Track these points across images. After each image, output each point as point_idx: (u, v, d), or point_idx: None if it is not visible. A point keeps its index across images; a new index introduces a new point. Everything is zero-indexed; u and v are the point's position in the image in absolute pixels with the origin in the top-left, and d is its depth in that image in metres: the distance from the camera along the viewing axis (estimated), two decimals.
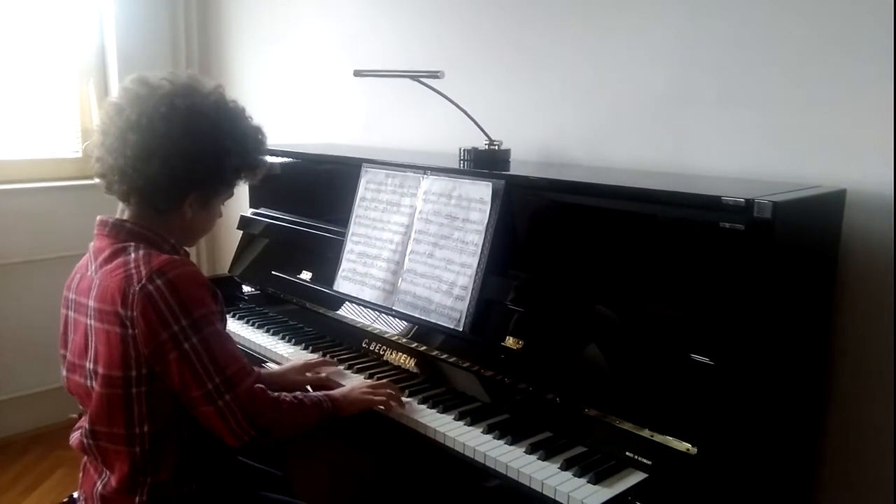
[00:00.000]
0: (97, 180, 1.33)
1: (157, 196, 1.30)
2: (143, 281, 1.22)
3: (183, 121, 1.27)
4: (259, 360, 1.81)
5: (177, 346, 1.21)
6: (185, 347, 1.21)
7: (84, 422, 1.34)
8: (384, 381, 1.56)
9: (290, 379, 1.61)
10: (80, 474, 1.41)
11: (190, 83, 1.31)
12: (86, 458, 1.38)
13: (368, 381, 1.56)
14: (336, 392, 1.45)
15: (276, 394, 1.33)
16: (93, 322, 1.27)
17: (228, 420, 1.24)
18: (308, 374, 1.64)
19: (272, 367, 1.73)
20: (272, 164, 2.25)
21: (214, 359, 1.23)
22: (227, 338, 1.30)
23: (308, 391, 1.64)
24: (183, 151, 1.27)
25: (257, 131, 1.40)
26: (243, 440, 1.25)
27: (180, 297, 1.22)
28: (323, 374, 1.64)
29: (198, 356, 1.22)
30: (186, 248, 1.41)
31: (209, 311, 1.26)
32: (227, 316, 1.48)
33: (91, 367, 1.28)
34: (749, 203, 1.19)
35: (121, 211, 1.35)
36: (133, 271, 1.23)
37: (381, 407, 1.46)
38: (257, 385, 1.29)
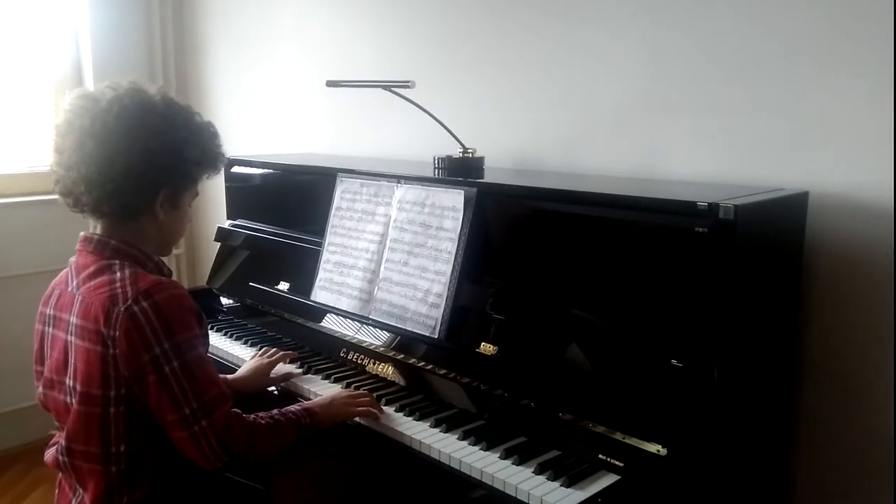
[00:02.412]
0: (62, 200, 1.33)
1: (126, 199, 1.29)
2: (129, 302, 1.21)
3: (136, 118, 1.27)
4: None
5: (157, 369, 1.21)
6: (165, 371, 1.21)
7: (60, 438, 1.33)
8: (362, 389, 1.58)
9: (253, 383, 1.63)
10: (56, 491, 1.40)
11: (133, 87, 1.32)
12: (61, 475, 1.37)
13: (346, 390, 1.57)
14: (314, 405, 1.45)
15: (251, 417, 1.32)
16: (73, 339, 1.27)
17: (202, 446, 1.23)
18: (272, 376, 1.66)
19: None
20: (249, 174, 2.26)
21: (193, 384, 1.23)
22: (207, 362, 1.29)
23: (276, 393, 1.66)
24: (143, 148, 1.27)
25: (209, 125, 1.41)
26: (216, 465, 1.26)
27: (165, 320, 1.22)
28: (288, 373, 1.67)
29: (177, 380, 1.22)
30: (166, 263, 1.40)
31: (192, 334, 1.26)
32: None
33: (70, 383, 1.27)
34: (712, 206, 1.22)
35: (93, 226, 1.35)
36: (119, 291, 1.23)
37: (359, 419, 1.47)
38: (234, 410, 1.29)
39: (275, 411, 1.38)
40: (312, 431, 1.39)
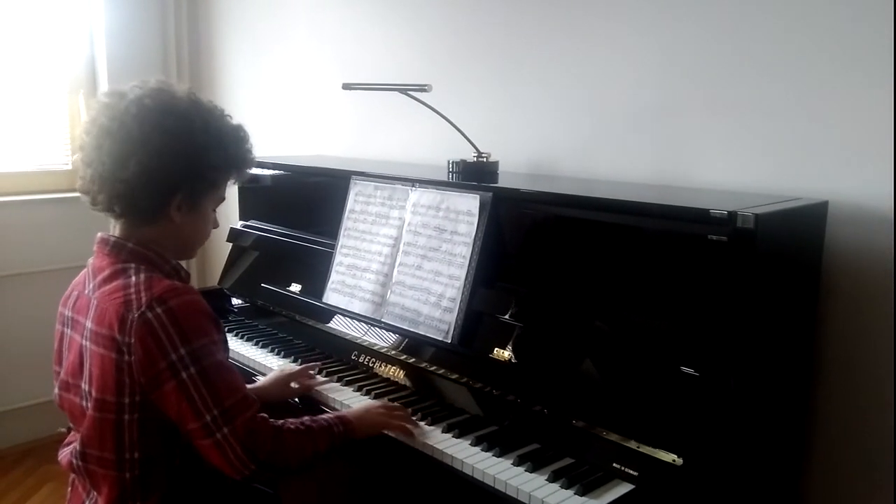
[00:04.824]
0: (82, 197, 1.33)
1: (138, 201, 1.28)
2: (143, 308, 1.20)
3: (154, 119, 1.26)
4: (249, 374, 1.80)
5: (174, 375, 1.19)
6: (182, 377, 1.19)
7: (74, 440, 1.32)
8: (374, 394, 1.57)
9: (275, 393, 1.61)
10: (69, 490, 1.40)
11: (160, 86, 1.31)
12: (74, 475, 1.37)
13: (380, 401, 1.52)
14: (349, 414, 1.41)
15: (279, 422, 1.28)
16: (88, 344, 1.26)
17: (227, 453, 1.20)
18: (293, 385, 1.64)
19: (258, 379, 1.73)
20: (262, 175, 2.26)
21: (213, 390, 1.20)
22: (228, 368, 1.26)
23: (298, 404, 1.65)
24: (157, 150, 1.25)
25: (237, 129, 1.38)
26: (244, 474, 1.22)
27: (180, 326, 1.20)
28: (312, 384, 1.64)
29: (196, 387, 1.19)
30: (186, 268, 1.39)
31: (210, 340, 1.23)
32: None
33: (86, 388, 1.26)
34: (732, 215, 1.21)
35: (113, 226, 1.35)
36: (133, 297, 1.22)
37: (393, 434, 1.43)
38: (259, 415, 1.26)
39: (305, 418, 1.34)
40: (346, 441, 1.35)
